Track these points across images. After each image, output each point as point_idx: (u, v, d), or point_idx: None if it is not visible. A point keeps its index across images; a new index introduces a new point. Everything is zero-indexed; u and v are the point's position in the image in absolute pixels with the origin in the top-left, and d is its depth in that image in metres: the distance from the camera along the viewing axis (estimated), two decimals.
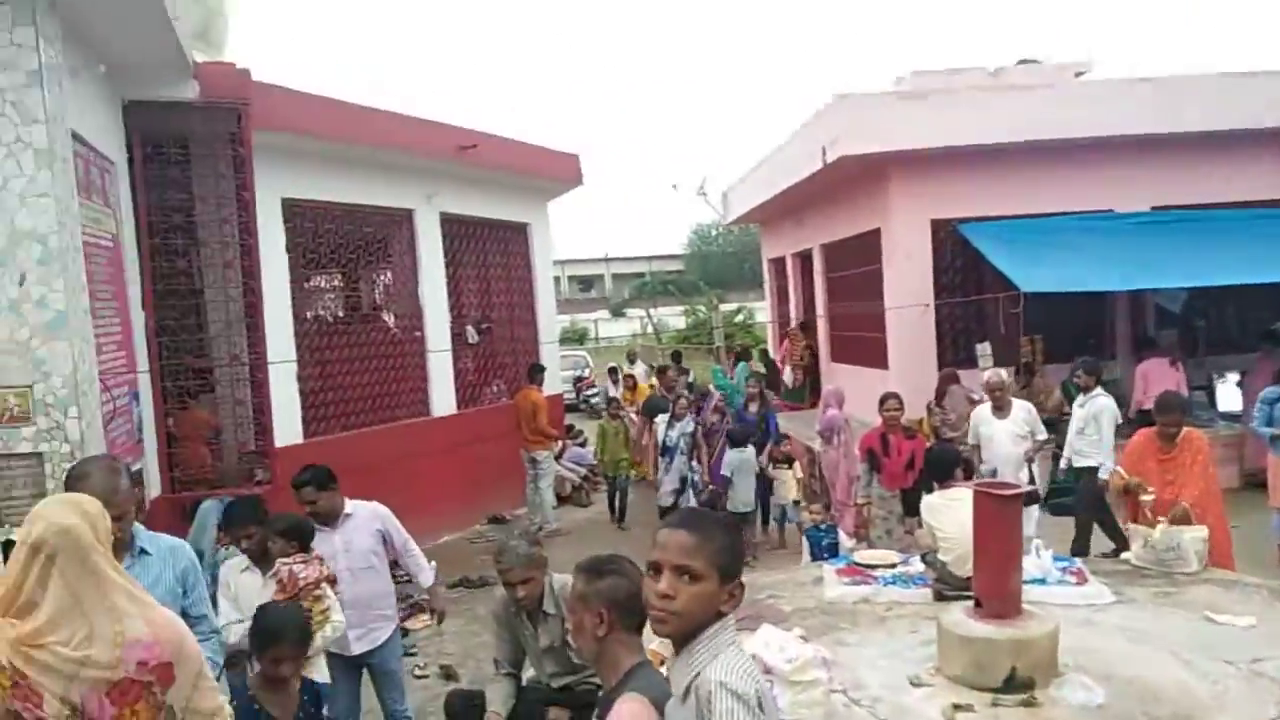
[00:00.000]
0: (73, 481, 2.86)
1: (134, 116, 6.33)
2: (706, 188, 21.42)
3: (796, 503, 9.23)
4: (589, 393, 20.92)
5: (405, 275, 10.28)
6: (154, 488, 6.55)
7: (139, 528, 3.13)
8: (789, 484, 9.18)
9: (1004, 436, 7.42)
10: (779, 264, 18.54)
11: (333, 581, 4.31)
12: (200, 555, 4.40)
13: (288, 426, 8.07)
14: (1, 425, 4.56)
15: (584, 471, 12.53)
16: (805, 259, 16.32)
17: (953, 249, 11.31)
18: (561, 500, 11.61)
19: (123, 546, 2.93)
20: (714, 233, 50.31)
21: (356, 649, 4.64)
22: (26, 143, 4.39)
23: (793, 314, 17.11)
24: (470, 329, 11.33)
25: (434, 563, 5.35)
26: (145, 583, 2.73)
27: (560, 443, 12.02)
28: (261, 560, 4.43)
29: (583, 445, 13.50)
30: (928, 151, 10.64)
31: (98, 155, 5.52)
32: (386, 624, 4.81)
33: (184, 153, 6.68)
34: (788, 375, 15.17)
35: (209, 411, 7.26)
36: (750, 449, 8.94)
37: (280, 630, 3.41)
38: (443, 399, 10.47)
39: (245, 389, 7.30)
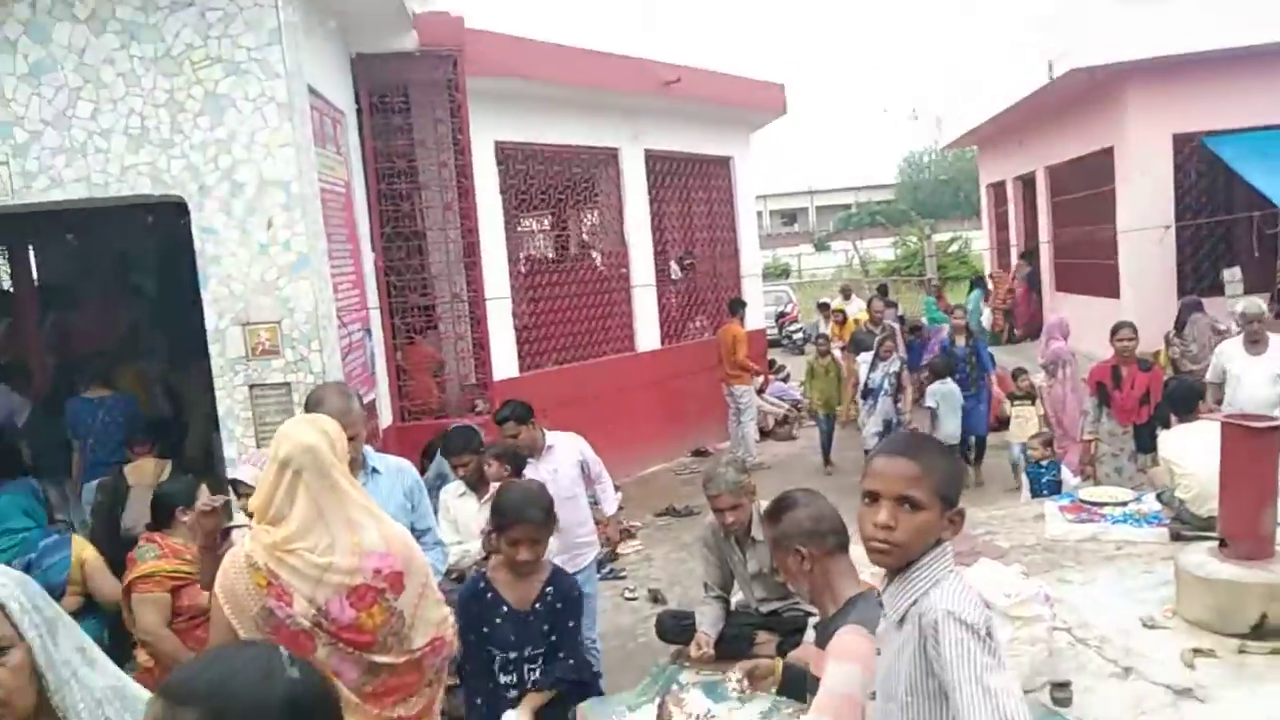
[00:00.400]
0: (311, 405, 3.12)
1: (361, 68, 6.73)
2: (920, 110, 20.40)
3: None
4: (791, 328, 20.68)
5: (611, 214, 10.47)
6: (386, 418, 7.07)
7: (369, 449, 3.39)
8: (1029, 422, 8.39)
9: (1258, 376, 6.23)
10: (998, 189, 17.50)
11: None
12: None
13: (504, 361, 8.50)
14: (255, 357, 5.04)
15: (786, 407, 12.45)
16: (1027, 183, 15.33)
17: (1197, 165, 10.26)
18: (764, 435, 11.62)
19: (356, 466, 3.19)
20: (926, 159, 47.98)
21: None
22: (270, 97, 4.76)
23: (1013, 241, 16.15)
24: (674, 265, 11.43)
25: (619, 493, 5.57)
26: (378, 499, 2.96)
27: (762, 378, 11.98)
28: (477, 486, 4.71)
29: (785, 380, 13.40)
30: (1168, 59, 9.63)
31: (330, 106, 5.91)
32: (588, 550, 5.00)
33: (405, 101, 7.05)
34: (986, 317, 14.42)
35: (433, 346, 7.74)
36: (952, 381, 8.59)
37: (521, 507, 3.11)
38: (647, 334, 10.66)
39: (465, 325, 7.73)
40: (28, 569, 3.78)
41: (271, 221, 4.87)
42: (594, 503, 5.36)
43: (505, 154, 8.91)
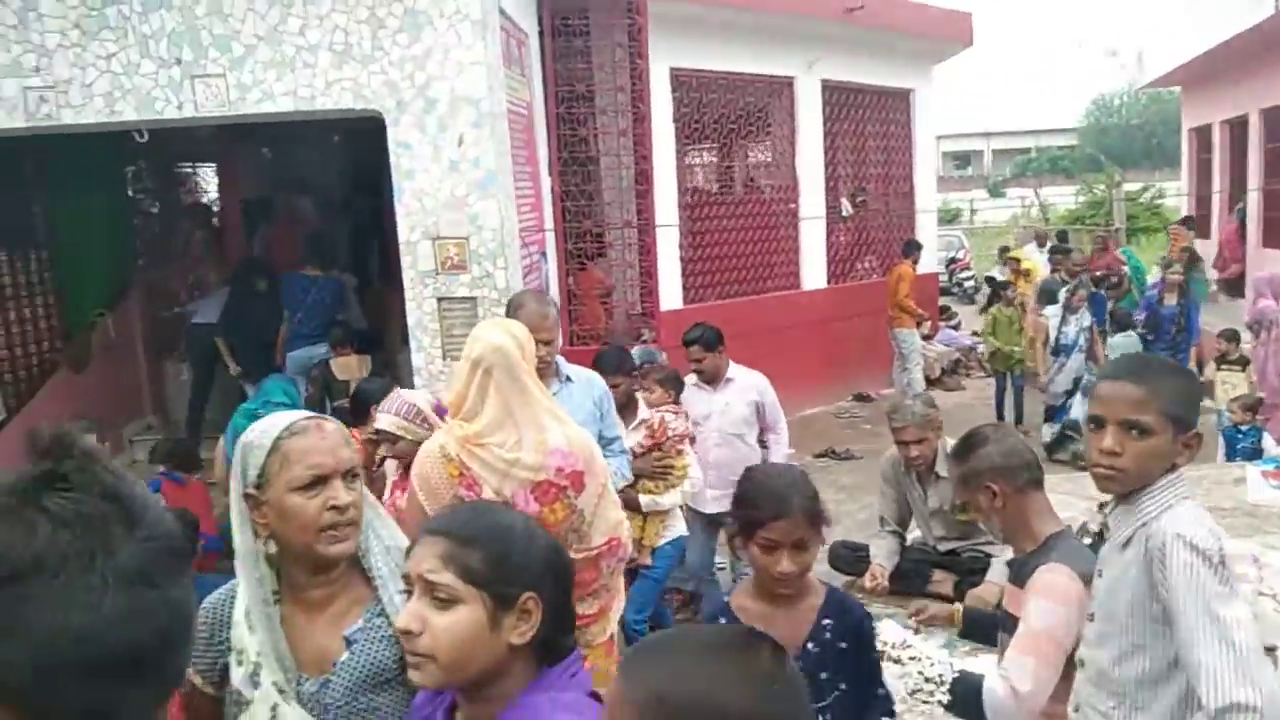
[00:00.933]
0: (511, 309, 3.22)
1: None
2: (1118, 47, 18.96)
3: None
4: (962, 275, 19.85)
5: (782, 145, 10.24)
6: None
7: (561, 359, 3.48)
8: (1238, 389, 7.55)
9: None
10: (1202, 133, 16.14)
11: (691, 440, 4.50)
12: None
13: (670, 291, 8.52)
14: (444, 272, 5.23)
15: (955, 355, 12.02)
16: (1238, 127, 14.05)
17: None
18: (930, 383, 11.25)
19: (550, 373, 3.28)
20: (1118, 101, 44.63)
21: (712, 509, 4.76)
22: (464, 14, 4.85)
23: (1216, 190, 14.91)
24: (845, 202, 11.11)
25: (792, 449, 5.44)
26: (569, 406, 3.04)
27: (929, 322, 11.56)
28: (624, 409, 4.58)
29: (955, 328, 12.91)
30: None
31: (516, 27, 5.98)
32: None
33: (586, 24, 7.06)
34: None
35: (603, 272, 7.84)
36: (1134, 335, 8.02)
37: (783, 494, 2.14)
38: (813, 272, 10.46)
39: (634, 253, 7.78)
40: None
41: (462, 138, 5.00)
42: (763, 446, 5.23)
43: (680, 81, 8.82)
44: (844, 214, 11.08)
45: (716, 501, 4.77)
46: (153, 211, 8.77)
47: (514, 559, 1.39)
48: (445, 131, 5.01)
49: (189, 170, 9.16)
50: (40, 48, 5.05)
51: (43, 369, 7.10)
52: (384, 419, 3.41)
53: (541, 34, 6.87)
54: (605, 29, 7.20)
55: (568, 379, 3.43)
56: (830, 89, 10.37)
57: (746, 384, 4.94)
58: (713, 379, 4.86)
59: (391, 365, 7.36)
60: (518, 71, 6.12)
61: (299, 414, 1.73)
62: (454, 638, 1.35)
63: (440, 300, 5.29)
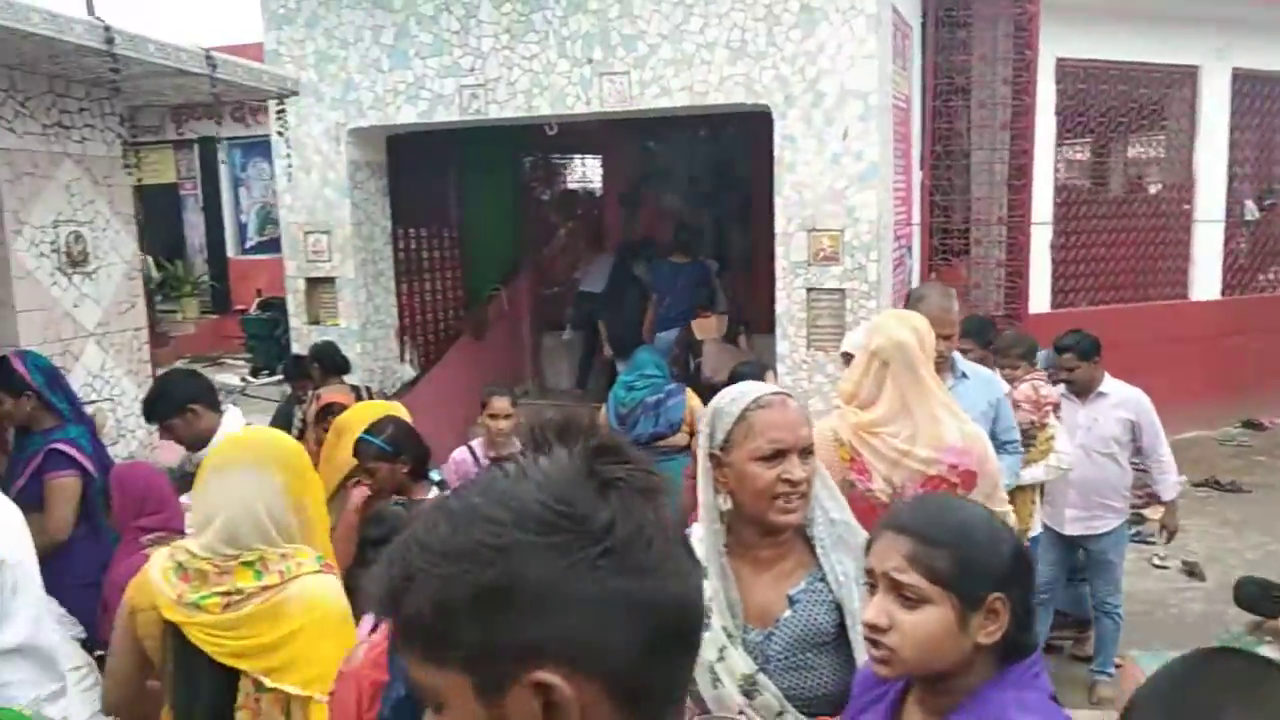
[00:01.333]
0: (912, 302, 3.23)
1: None
2: None
3: None
4: None
5: (1178, 140, 9.26)
6: None
7: (958, 355, 3.44)
8: None
9: None
10: None
11: (1056, 408, 4.23)
12: None
13: (1037, 294, 8.04)
14: (815, 263, 5.33)
15: None
16: None
17: None
18: None
19: (946, 367, 3.26)
20: None
21: (1070, 530, 4.45)
22: (859, 9, 4.90)
23: None
24: (1249, 204, 9.83)
25: (1183, 477, 4.85)
26: (963, 403, 3.00)
27: None
28: None
29: None
30: None
31: (901, 20, 5.92)
32: (1112, 516, 4.48)
33: (969, 14, 6.83)
34: None
35: (966, 271, 7.57)
36: None
37: None
38: (1206, 281, 9.37)
39: (1001, 251, 7.44)
40: (656, 406, 4.79)
41: (847, 131, 5.06)
42: (1139, 469, 4.77)
43: (1065, 71, 8.25)
44: (1247, 217, 9.82)
45: (1076, 523, 4.49)
46: (543, 199, 9.69)
47: (981, 559, 1.38)
48: (831, 125, 5.10)
49: (578, 160, 10.00)
50: (476, 50, 5.77)
51: (449, 335, 8.12)
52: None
53: (924, 26, 6.75)
54: (990, 19, 6.93)
55: (963, 375, 3.38)
56: (1241, 78, 9.21)
57: (1122, 399, 4.51)
58: (1083, 391, 4.51)
59: (753, 351, 7.64)
60: (900, 64, 6.07)
61: (767, 387, 1.85)
62: (922, 636, 1.37)
63: (809, 291, 5.40)
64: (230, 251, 11.36)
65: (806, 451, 1.77)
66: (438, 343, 7.99)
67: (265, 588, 1.92)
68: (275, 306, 9.67)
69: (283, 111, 5.00)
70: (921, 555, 1.38)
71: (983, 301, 7.60)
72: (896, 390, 2.60)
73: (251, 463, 2.01)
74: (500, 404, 4.35)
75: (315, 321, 6.60)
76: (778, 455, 1.73)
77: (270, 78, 4.64)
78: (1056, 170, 8.61)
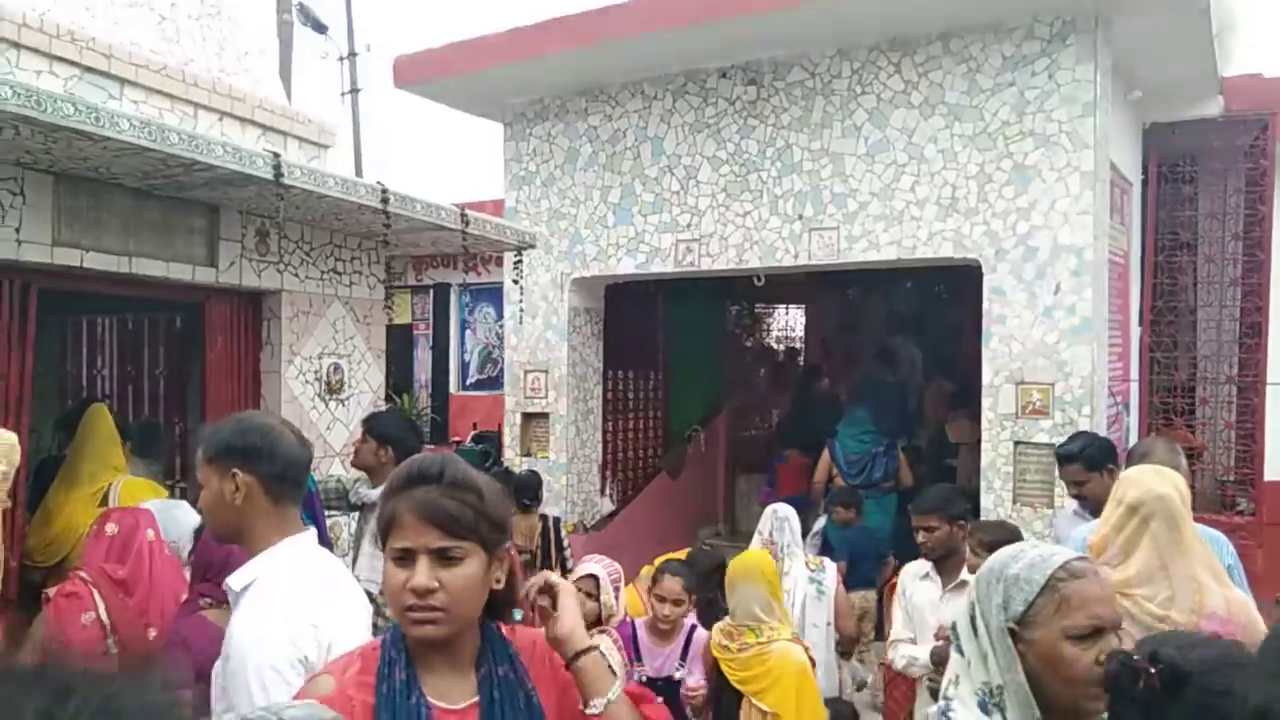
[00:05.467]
0: (1136, 457, 3.15)
1: (1152, 137, 6.57)
2: None
3: None
4: None
5: None
6: None
7: None
8: None
9: None
10: None
11: None
12: None
13: (1274, 460, 7.42)
14: (1024, 416, 5.22)
15: None
16: None
17: None
18: None
19: None
20: None
21: None
22: (1075, 166, 4.94)
23: None
24: None
25: None
26: None
27: None
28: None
29: None
30: None
31: (1120, 177, 5.89)
32: None
33: (1194, 170, 6.68)
34: None
35: (1189, 431, 7.12)
36: None
37: None
38: None
39: (1232, 413, 6.98)
40: (883, 455, 6.83)
41: (1059, 286, 5.03)
42: None
43: None
44: None
45: None
46: (747, 345, 9.98)
47: None
48: (1042, 279, 5.09)
49: (781, 309, 10.29)
50: (694, 209, 6.19)
51: (648, 472, 8.37)
52: (598, 569, 3.45)
53: (1145, 182, 6.66)
54: (1218, 174, 6.76)
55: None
56: None
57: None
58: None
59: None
60: (1118, 220, 6.00)
61: (1071, 553, 1.65)
62: None
63: (1017, 444, 5.28)
64: (452, 388, 12.24)
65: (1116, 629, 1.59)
66: (637, 479, 8.24)
67: None
68: (487, 439, 10.29)
69: (519, 262, 5.52)
70: None
71: (1211, 465, 7.11)
72: (1154, 548, 2.45)
73: None
74: (671, 585, 3.52)
75: (528, 454, 7.01)
76: (1096, 633, 1.54)
77: (513, 233, 5.18)
78: None
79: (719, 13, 5.41)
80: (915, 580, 3.74)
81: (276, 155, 3.76)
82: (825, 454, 6.97)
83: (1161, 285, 6.75)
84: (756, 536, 4.43)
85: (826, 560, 4.53)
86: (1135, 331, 6.71)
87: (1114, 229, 5.84)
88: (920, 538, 3.70)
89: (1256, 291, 6.64)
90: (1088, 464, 3.92)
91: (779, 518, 4.38)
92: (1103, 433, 5.26)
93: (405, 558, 1.48)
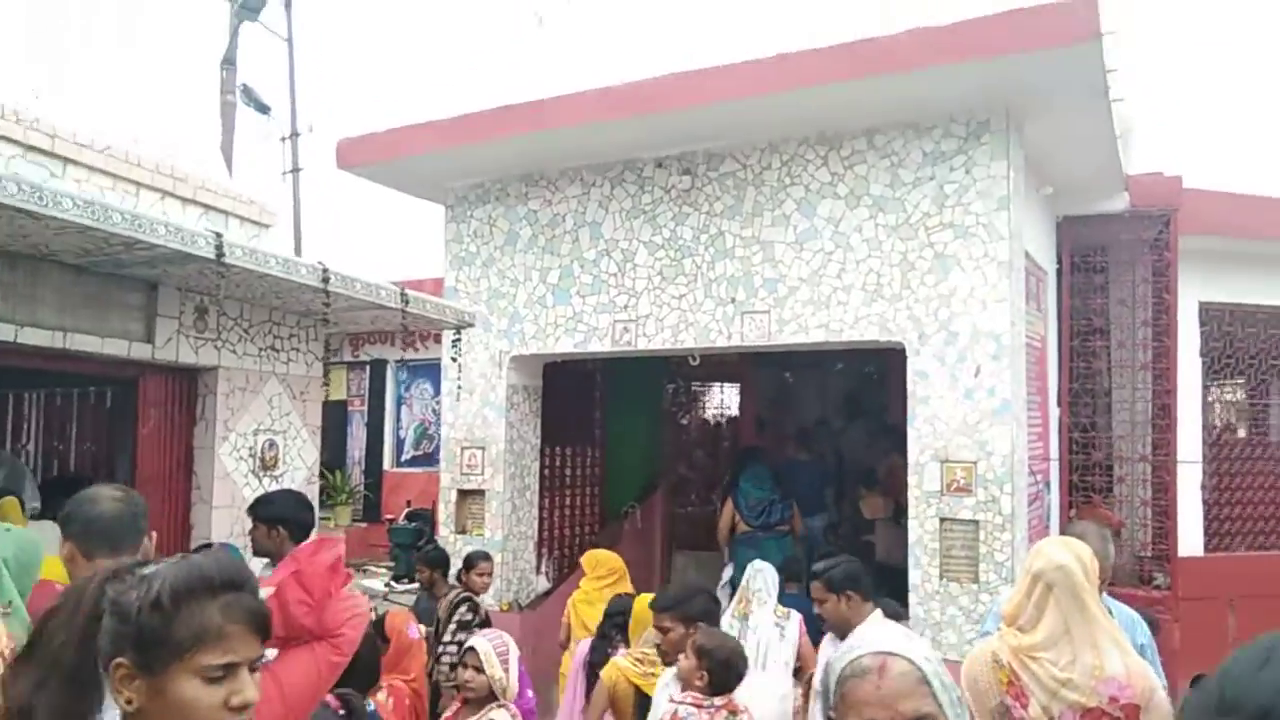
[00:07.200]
0: (1068, 531, 3.30)
1: (1065, 229, 6.96)
2: None
3: None
4: None
5: None
6: None
7: (1106, 596, 3.42)
8: None
9: None
10: None
11: None
12: None
13: (1188, 536, 7.72)
14: (949, 494, 5.39)
15: None
16: None
17: None
18: None
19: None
20: None
21: None
22: (991, 256, 5.21)
23: None
24: None
25: None
26: None
27: None
28: None
29: None
30: None
31: (1036, 266, 6.21)
32: None
33: (1105, 260, 7.08)
34: None
35: (1109, 509, 7.39)
36: None
37: None
38: None
39: (1148, 490, 7.27)
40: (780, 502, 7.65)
41: (979, 369, 5.25)
42: None
43: (1210, 314, 8.28)
44: None
45: None
46: (682, 423, 10.11)
47: None
48: (963, 362, 5.31)
49: (716, 388, 10.47)
50: (630, 290, 6.35)
51: (582, 548, 8.35)
52: (480, 642, 3.53)
53: (1059, 271, 7.02)
54: (1127, 265, 7.16)
55: (1109, 612, 3.35)
56: None
57: None
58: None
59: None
60: (1034, 306, 6.30)
61: (877, 642, 1.60)
62: None
63: (943, 520, 5.43)
64: (386, 464, 12.13)
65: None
66: (573, 557, 8.21)
67: None
68: (421, 517, 10.19)
69: (457, 340, 5.60)
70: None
71: (1129, 541, 7.37)
72: (1059, 614, 2.60)
73: None
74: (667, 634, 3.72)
75: (462, 531, 6.97)
76: None
77: (452, 312, 5.27)
78: (1211, 409, 8.45)
79: (656, 106, 5.65)
80: (663, 690, 3.53)
81: (219, 235, 3.82)
82: (728, 504, 7.78)
83: (1078, 368, 7.07)
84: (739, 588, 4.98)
85: (793, 612, 4.86)
86: (1054, 412, 6.99)
87: (1031, 315, 6.13)
88: (656, 638, 3.75)
89: (1165, 375, 6.99)
90: (829, 585, 3.91)
91: (755, 569, 4.92)
92: (1022, 508, 5.46)
93: (227, 674, 1.36)
